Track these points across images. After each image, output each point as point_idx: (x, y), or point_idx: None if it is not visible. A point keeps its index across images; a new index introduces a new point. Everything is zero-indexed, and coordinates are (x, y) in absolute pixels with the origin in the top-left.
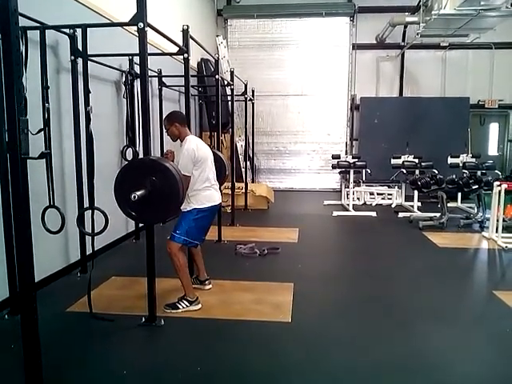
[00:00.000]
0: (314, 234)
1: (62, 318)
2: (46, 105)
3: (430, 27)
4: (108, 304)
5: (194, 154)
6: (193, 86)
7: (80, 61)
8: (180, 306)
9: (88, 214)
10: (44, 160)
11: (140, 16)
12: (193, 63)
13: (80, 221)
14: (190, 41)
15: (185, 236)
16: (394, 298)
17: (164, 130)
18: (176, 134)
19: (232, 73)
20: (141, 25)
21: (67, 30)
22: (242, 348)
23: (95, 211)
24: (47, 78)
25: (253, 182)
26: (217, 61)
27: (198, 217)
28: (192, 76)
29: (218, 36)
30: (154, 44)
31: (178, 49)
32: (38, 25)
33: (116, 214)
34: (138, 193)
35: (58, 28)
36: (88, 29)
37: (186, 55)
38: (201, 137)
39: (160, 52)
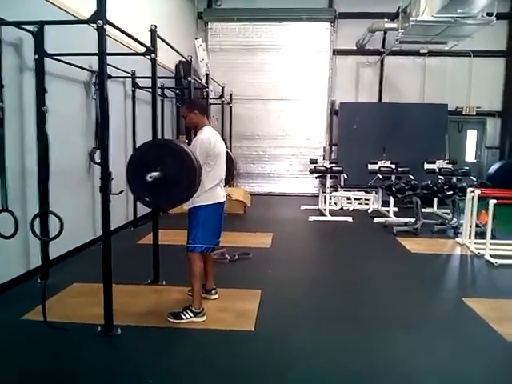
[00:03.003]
0: (288, 239)
1: (15, 325)
2: (0, 104)
3: (409, 34)
4: (66, 312)
5: (210, 146)
6: (169, 88)
7: (46, 60)
8: (184, 317)
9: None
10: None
11: (99, 13)
12: (170, 65)
13: (41, 225)
14: (169, 43)
15: (198, 243)
16: (361, 305)
17: (182, 117)
18: (194, 122)
19: (207, 75)
20: (100, 22)
21: (31, 28)
22: (199, 360)
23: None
24: (1, 77)
25: (230, 185)
26: (189, 62)
27: (204, 217)
28: (169, 78)
29: (196, 39)
30: (126, 44)
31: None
32: None
33: (83, 218)
34: (154, 174)
35: (13, 24)
36: (59, 27)
37: (153, 55)
38: (177, 139)
39: (130, 52)
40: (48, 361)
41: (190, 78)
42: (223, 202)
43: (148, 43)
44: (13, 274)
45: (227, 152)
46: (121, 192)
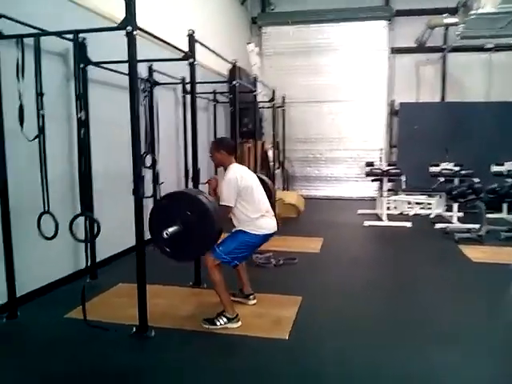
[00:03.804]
0: (339, 244)
1: (57, 324)
2: (41, 112)
3: (471, 28)
4: (108, 311)
5: (237, 184)
6: (221, 93)
7: (90, 68)
8: (218, 323)
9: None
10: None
11: (129, 19)
12: (223, 70)
13: (90, 227)
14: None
15: (225, 255)
16: (410, 318)
17: (208, 154)
18: (219, 161)
19: (255, 79)
20: (129, 28)
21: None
22: (220, 368)
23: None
24: (42, 85)
25: (283, 189)
26: (234, 66)
27: (248, 241)
28: (215, 82)
29: (249, 43)
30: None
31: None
32: (36, 31)
33: (133, 220)
34: (170, 230)
35: (51, 34)
36: (105, 36)
37: (191, 60)
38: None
39: (171, 58)
40: (77, 359)
41: (234, 82)
42: (272, 233)
43: (202, 50)
44: (63, 273)
45: (262, 179)
46: (153, 195)
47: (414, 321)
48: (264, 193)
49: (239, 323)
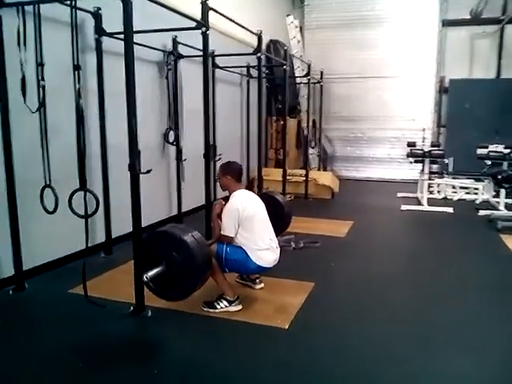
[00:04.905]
0: (369, 229)
1: (58, 298)
2: (42, 82)
3: None
4: (112, 288)
5: (238, 215)
6: (253, 67)
7: (104, 39)
8: (218, 306)
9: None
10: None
11: None
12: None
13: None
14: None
15: (224, 256)
16: (425, 313)
17: (216, 177)
18: (225, 185)
19: (286, 52)
20: None
21: (91, 9)
22: (215, 352)
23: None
24: (42, 55)
25: (319, 169)
26: (259, 36)
27: (245, 262)
28: (243, 55)
29: (288, 16)
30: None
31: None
32: None
33: (158, 197)
34: (150, 273)
35: (51, 2)
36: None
37: (203, 29)
38: (266, 121)
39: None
40: (69, 334)
41: (259, 54)
42: (270, 267)
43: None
44: (77, 248)
45: (273, 197)
46: (148, 171)
47: (432, 317)
48: (268, 222)
49: (240, 306)
